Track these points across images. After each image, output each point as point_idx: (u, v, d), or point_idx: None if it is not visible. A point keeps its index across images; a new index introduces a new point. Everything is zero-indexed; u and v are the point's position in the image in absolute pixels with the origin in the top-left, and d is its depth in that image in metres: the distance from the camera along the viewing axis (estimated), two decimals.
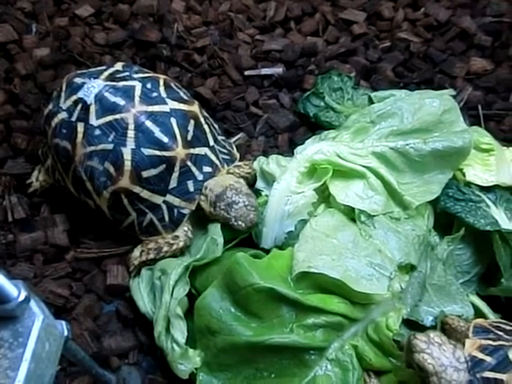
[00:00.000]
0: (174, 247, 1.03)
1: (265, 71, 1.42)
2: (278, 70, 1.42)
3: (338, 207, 1.01)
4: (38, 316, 0.61)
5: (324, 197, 1.04)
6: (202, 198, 1.04)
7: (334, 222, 0.97)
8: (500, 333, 0.83)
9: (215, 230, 1.01)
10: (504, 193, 1.02)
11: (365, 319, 0.93)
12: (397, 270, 0.92)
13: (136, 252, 1.06)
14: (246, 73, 1.42)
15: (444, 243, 0.98)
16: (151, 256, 1.04)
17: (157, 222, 1.05)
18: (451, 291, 0.95)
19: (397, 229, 0.96)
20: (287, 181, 1.03)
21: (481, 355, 0.79)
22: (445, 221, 1.02)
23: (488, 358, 0.79)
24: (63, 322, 0.70)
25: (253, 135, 1.32)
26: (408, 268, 0.95)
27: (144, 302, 1.00)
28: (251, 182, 1.13)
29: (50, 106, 1.11)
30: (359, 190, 0.99)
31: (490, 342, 0.81)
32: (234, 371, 0.89)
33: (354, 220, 0.99)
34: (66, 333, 0.69)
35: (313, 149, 1.04)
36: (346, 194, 0.99)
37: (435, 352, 0.80)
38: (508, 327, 0.85)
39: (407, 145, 1.00)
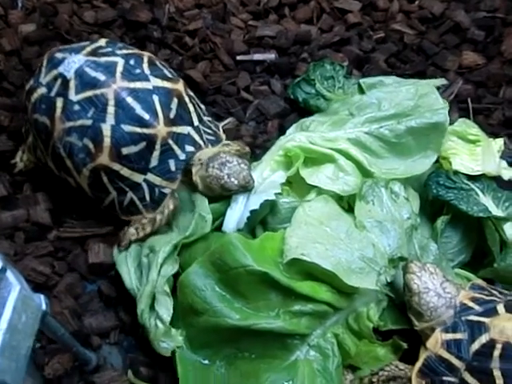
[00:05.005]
0: (166, 211, 1.01)
1: (257, 57, 1.41)
2: (271, 56, 1.41)
3: (330, 194, 1.00)
4: (14, 286, 0.60)
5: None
6: (195, 163, 1.02)
7: (328, 209, 0.97)
8: (495, 292, 0.86)
9: (202, 205, 1.00)
10: (490, 182, 1.03)
11: (348, 308, 0.93)
12: (387, 265, 0.92)
13: (131, 230, 1.04)
14: (238, 58, 1.40)
15: (438, 223, 0.98)
16: (148, 230, 1.02)
17: (138, 202, 1.03)
18: (442, 267, 0.94)
19: (394, 214, 0.95)
20: (261, 169, 1.04)
21: (471, 304, 0.83)
22: (431, 210, 1.03)
23: (476, 307, 0.82)
24: (41, 296, 0.69)
25: (243, 120, 1.31)
26: (398, 259, 0.94)
27: (130, 277, 0.98)
28: None
29: (31, 82, 1.09)
30: (329, 173, 1.00)
31: (483, 297, 0.83)
32: (214, 349, 0.89)
33: (345, 209, 0.99)
34: (44, 307, 0.68)
35: (286, 138, 1.05)
36: (317, 177, 1.00)
37: (424, 277, 0.85)
38: (505, 291, 0.87)
39: (381, 127, 1.00)
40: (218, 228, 1.02)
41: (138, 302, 0.94)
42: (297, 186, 1.05)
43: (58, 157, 1.04)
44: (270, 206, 1.00)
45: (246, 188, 1.00)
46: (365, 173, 1.01)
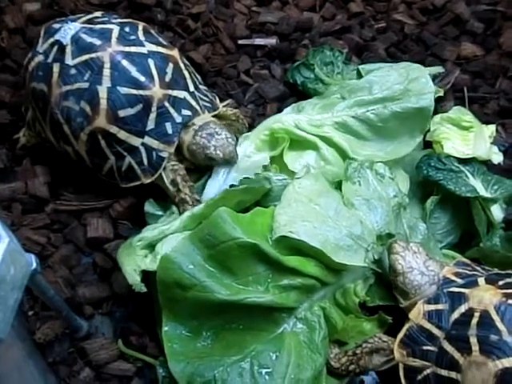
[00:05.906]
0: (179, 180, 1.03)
1: (258, 41, 1.42)
2: (272, 41, 1.42)
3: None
4: (3, 238, 0.61)
5: None
6: (184, 130, 1.04)
7: (318, 186, 0.98)
8: (478, 268, 0.87)
9: None
10: (480, 166, 1.05)
11: (335, 284, 0.95)
12: (375, 242, 0.93)
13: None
14: (240, 42, 1.42)
15: (428, 203, 1.00)
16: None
17: (136, 166, 1.04)
18: (430, 247, 0.96)
19: (381, 193, 0.97)
20: (245, 146, 1.07)
21: (453, 278, 0.84)
22: (423, 192, 1.04)
23: (458, 280, 0.84)
24: (32, 255, 0.70)
25: (242, 103, 1.32)
26: (386, 236, 0.95)
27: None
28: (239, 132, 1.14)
29: (29, 54, 1.11)
30: (311, 160, 1.03)
31: (467, 272, 0.85)
32: (201, 321, 0.89)
33: (335, 186, 1.00)
34: (34, 265, 0.69)
35: (274, 119, 1.08)
36: (299, 163, 1.02)
37: (408, 256, 0.87)
38: (488, 268, 0.89)
39: (367, 111, 1.03)
40: None
41: (143, 231, 0.97)
42: (281, 164, 1.06)
43: (56, 124, 1.05)
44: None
45: (229, 162, 1.03)
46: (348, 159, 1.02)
